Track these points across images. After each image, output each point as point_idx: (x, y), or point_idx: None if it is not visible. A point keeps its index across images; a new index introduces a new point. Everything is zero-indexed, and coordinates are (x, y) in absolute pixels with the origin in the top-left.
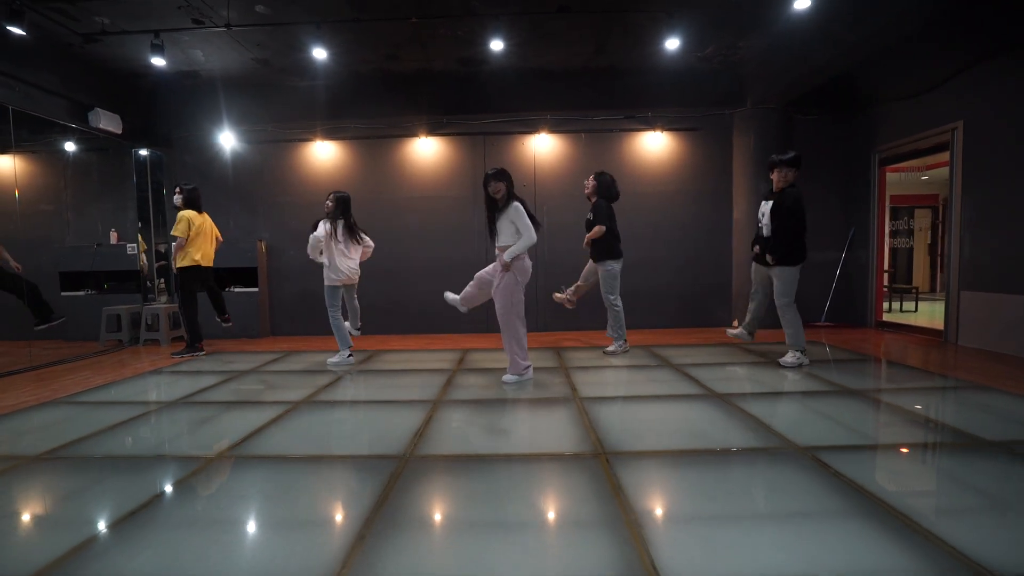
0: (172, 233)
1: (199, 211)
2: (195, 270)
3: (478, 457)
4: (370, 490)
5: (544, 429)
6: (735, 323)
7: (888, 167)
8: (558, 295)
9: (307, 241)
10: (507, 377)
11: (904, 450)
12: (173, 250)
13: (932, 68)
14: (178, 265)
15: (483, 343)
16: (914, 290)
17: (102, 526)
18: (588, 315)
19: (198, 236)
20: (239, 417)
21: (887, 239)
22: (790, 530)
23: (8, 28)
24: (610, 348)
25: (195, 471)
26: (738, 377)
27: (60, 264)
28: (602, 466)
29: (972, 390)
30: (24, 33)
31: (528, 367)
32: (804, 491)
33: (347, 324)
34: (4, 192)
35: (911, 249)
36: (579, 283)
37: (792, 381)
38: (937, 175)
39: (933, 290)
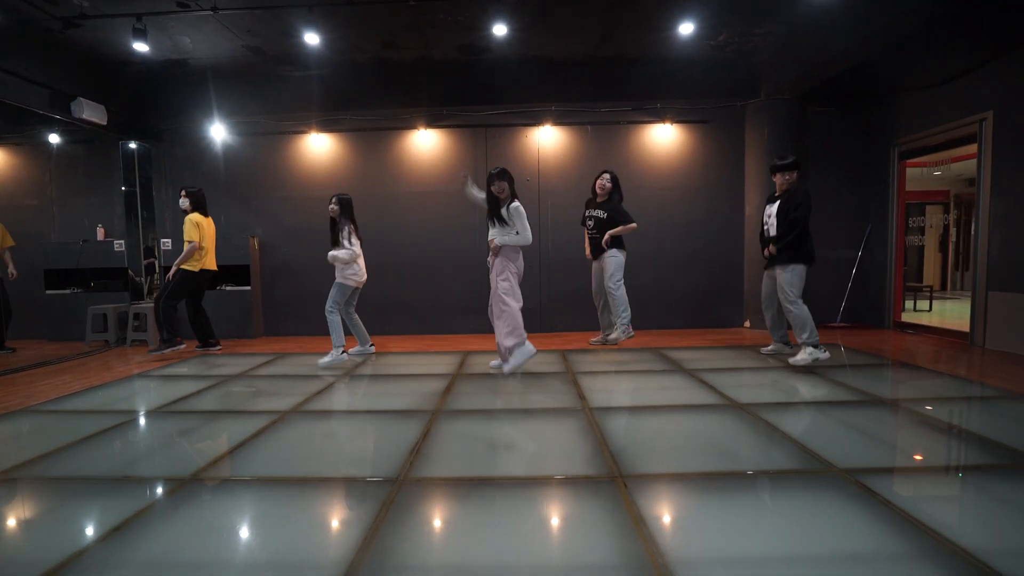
0: (185, 239)
1: (205, 214)
2: (199, 274)
3: (480, 480)
4: (357, 524)
5: (552, 445)
6: (747, 322)
7: (908, 161)
8: (594, 341)
9: (311, 242)
10: (507, 366)
11: (961, 474)
12: (185, 255)
13: (959, 55)
14: (182, 266)
15: (485, 345)
16: (929, 289)
17: (48, 568)
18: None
19: (204, 240)
20: (220, 429)
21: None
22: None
23: None
24: (612, 335)
25: (160, 498)
26: (757, 384)
27: (45, 261)
28: (620, 492)
29: (1015, 401)
30: None
31: (524, 340)
32: (853, 526)
33: (356, 347)
34: None
35: (922, 247)
36: (606, 328)
37: (817, 390)
38: (949, 171)
39: (944, 288)
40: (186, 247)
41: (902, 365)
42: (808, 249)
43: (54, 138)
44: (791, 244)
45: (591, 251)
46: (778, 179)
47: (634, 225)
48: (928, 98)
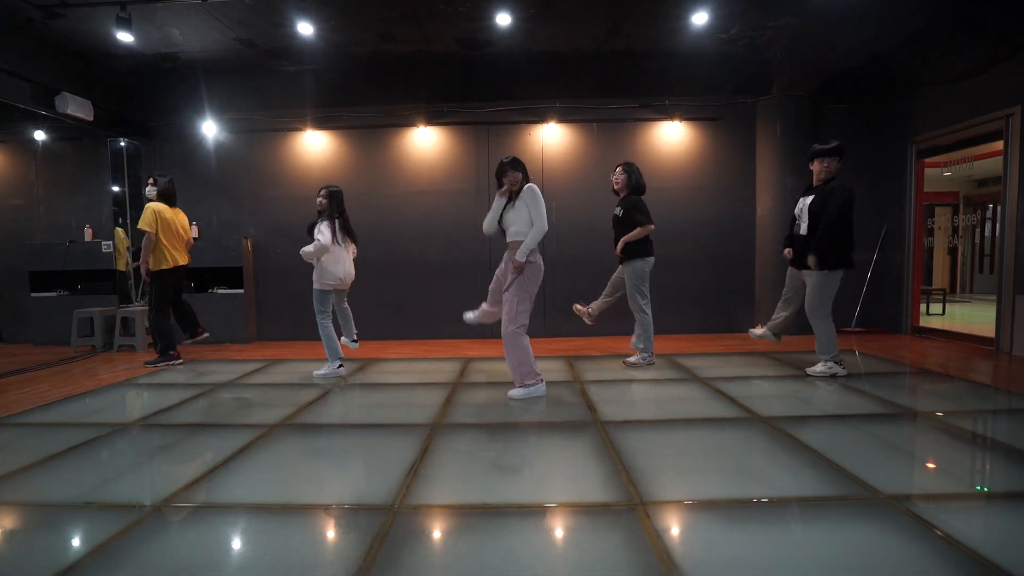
0: (139, 227)
1: (173, 205)
2: (171, 272)
3: (484, 508)
4: (343, 563)
5: (563, 466)
6: (759, 326)
7: (927, 159)
8: (579, 307)
9: (304, 241)
10: (514, 392)
11: (1018, 500)
12: (143, 248)
13: (982, 48)
14: (153, 268)
15: (488, 351)
16: (941, 292)
17: None
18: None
19: (167, 232)
20: (201, 446)
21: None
22: None
23: None
24: (632, 359)
25: (124, 529)
26: (778, 394)
27: (30, 263)
28: (641, 522)
29: None
30: None
31: (539, 380)
32: (913, 565)
33: (341, 338)
34: None
35: (931, 249)
36: (606, 299)
37: (842, 401)
38: (960, 172)
39: (954, 291)
40: (144, 240)
41: (928, 373)
42: (843, 253)
43: (39, 135)
44: (823, 247)
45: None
46: (816, 167)
47: (650, 227)
48: (949, 93)
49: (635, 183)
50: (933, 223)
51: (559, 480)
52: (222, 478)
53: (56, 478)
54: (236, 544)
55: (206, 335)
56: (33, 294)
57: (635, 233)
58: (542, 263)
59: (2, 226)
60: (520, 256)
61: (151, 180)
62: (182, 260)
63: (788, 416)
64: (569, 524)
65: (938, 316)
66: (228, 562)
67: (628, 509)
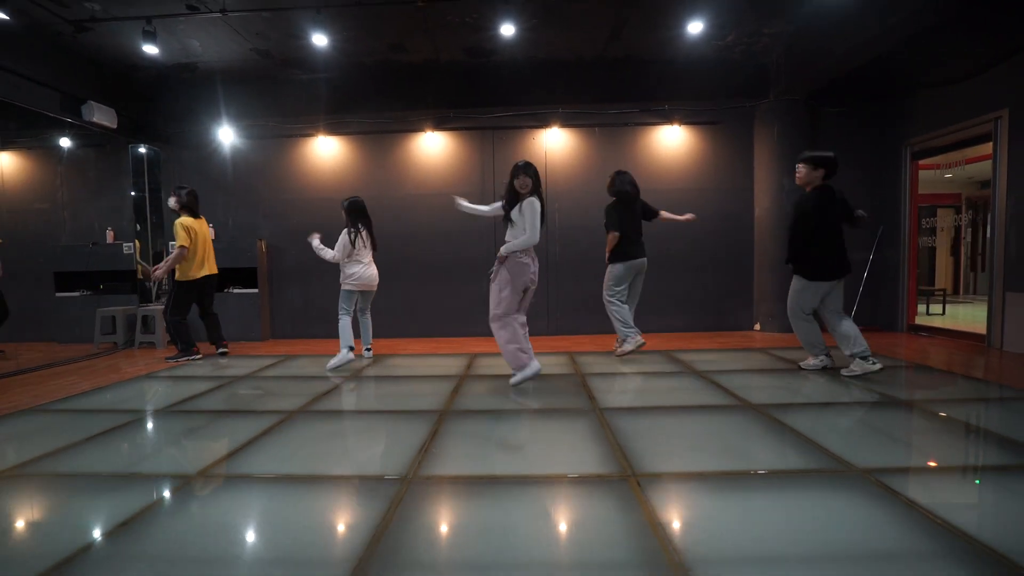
0: (177, 244)
1: (197, 215)
2: (201, 281)
3: (490, 479)
4: (366, 521)
5: (563, 445)
6: (757, 325)
7: (921, 161)
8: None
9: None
10: (514, 379)
11: (984, 474)
12: (173, 258)
13: (972, 53)
14: (179, 278)
15: (493, 347)
16: (942, 292)
17: (57, 561)
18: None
19: (195, 244)
20: (228, 428)
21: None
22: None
23: None
24: (618, 350)
25: (169, 494)
26: (770, 385)
27: (54, 264)
28: (633, 490)
29: None
30: (7, 18)
31: (531, 359)
32: (876, 525)
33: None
34: None
35: (933, 249)
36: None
37: (831, 390)
38: (961, 173)
39: (957, 292)
40: (177, 250)
41: (917, 367)
42: (817, 265)
43: (65, 142)
44: (793, 254)
45: None
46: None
47: (612, 234)
48: (941, 97)
49: (615, 190)
50: (936, 224)
51: (559, 457)
52: (251, 454)
53: (101, 453)
54: (268, 507)
55: (225, 350)
56: (58, 294)
57: (608, 241)
58: (530, 263)
59: (29, 229)
60: (503, 251)
61: (173, 192)
62: (213, 269)
63: (777, 403)
64: (566, 492)
65: (938, 316)
66: (265, 519)
67: (621, 480)
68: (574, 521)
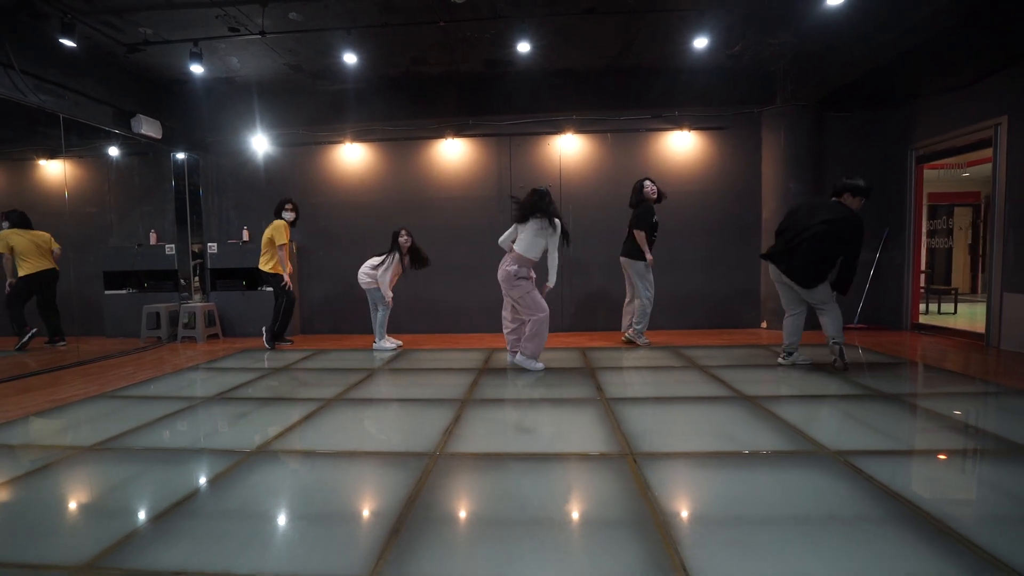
0: (279, 243)
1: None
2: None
3: (507, 455)
4: (403, 486)
5: (571, 429)
6: (763, 323)
7: (925, 165)
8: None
9: (342, 245)
10: (519, 358)
11: (941, 456)
12: (281, 258)
13: (975, 62)
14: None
15: None
16: (953, 291)
17: (146, 517)
18: (616, 316)
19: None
20: (275, 413)
21: (924, 239)
22: (823, 534)
23: (60, 40)
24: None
25: (234, 464)
26: (768, 379)
27: (103, 264)
28: (629, 466)
29: (1016, 396)
30: (74, 45)
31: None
32: (837, 495)
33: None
34: (56, 194)
35: (950, 249)
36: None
37: (825, 384)
38: (979, 172)
39: (974, 291)
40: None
41: (912, 364)
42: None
43: (113, 151)
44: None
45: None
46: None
47: (637, 232)
48: (944, 103)
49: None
50: (952, 223)
51: (567, 438)
52: (299, 434)
53: (170, 432)
54: (320, 474)
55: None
56: (106, 292)
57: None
58: (519, 270)
59: (80, 232)
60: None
61: (290, 205)
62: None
63: (771, 395)
64: (572, 467)
65: (950, 315)
66: (317, 485)
67: (620, 457)
68: (578, 490)
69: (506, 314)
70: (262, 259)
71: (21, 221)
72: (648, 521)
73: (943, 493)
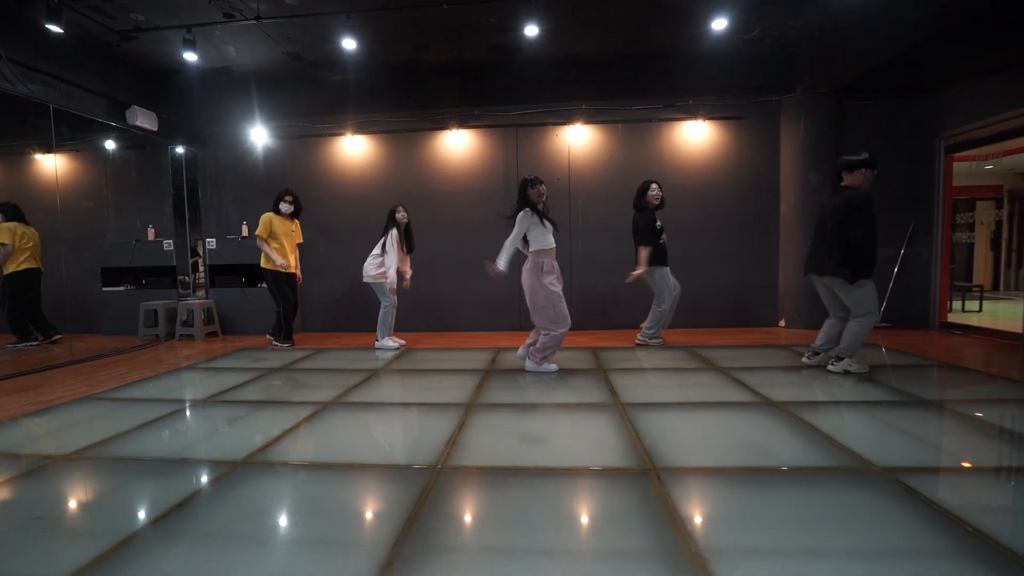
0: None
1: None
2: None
3: (515, 470)
4: (400, 506)
5: (585, 438)
6: (782, 322)
7: (956, 155)
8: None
9: (344, 240)
10: (528, 364)
11: (1007, 476)
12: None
13: (1012, 41)
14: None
15: (516, 342)
16: (978, 288)
17: (113, 541)
18: (627, 314)
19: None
20: (268, 418)
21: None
22: (884, 571)
23: (47, 26)
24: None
25: (218, 478)
26: (793, 383)
27: (101, 260)
28: (653, 485)
29: None
30: (62, 31)
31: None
32: (897, 523)
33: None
34: (47, 190)
35: (971, 244)
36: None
37: (856, 389)
38: (1002, 165)
39: (996, 288)
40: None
41: (947, 367)
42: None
43: (110, 144)
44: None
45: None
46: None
47: (642, 248)
48: (979, 88)
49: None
50: (974, 218)
51: (581, 450)
52: (289, 443)
53: (152, 440)
54: (310, 491)
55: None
56: (104, 288)
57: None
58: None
59: (77, 227)
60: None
61: (289, 197)
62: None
63: (799, 401)
64: (588, 484)
65: (975, 313)
66: (305, 503)
67: (641, 473)
68: (596, 512)
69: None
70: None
71: (16, 214)
72: (678, 552)
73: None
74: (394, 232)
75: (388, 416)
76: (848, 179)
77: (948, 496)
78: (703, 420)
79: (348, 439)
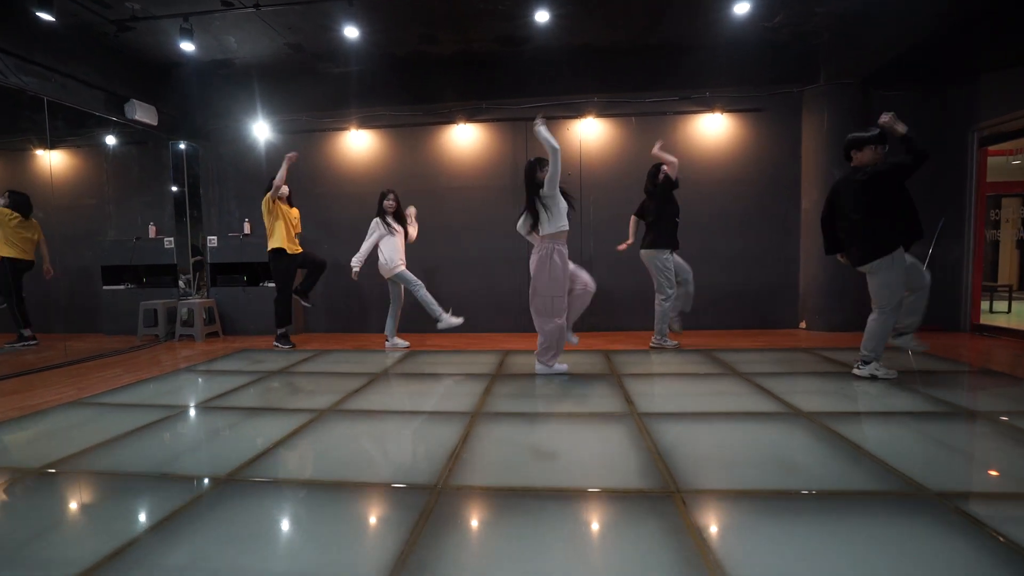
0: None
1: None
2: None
3: (523, 491)
4: (394, 535)
5: (600, 454)
6: (802, 323)
7: (990, 147)
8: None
9: (346, 237)
10: (538, 367)
11: None
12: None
13: None
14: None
15: (525, 344)
16: (1008, 288)
17: (83, 568)
18: (640, 315)
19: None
20: (259, 427)
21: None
22: None
23: (39, 15)
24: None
25: (196, 497)
26: (821, 390)
27: (101, 258)
28: (678, 509)
29: None
30: (53, 19)
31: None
32: (972, 566)
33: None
34: (51, 184)
35: (996, 243)
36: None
37: (892, 398)
38: None
39: (1022, 288)
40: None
41: (987, 373)
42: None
43: (110, 139)
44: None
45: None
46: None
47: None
48: (1013, 77)
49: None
50: (999, 215)
51: (596, 467)
52: (280, 456)
53: (136, 451)
54: (297, 513)
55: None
56: (105, 287)
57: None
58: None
59: (78, 224)
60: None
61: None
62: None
63: (831, 412)
64: (605, 509)
65: (1003, 314)
66: (291, 529)
67: (664, 496)
68: (615, 544)
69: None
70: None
71: (15, 203)
72: None
73: None
74: (378, 221)
75: (386, 426)
76: (857, 158)
77: (1017, 530)
78: (728, 433)
79: (341, 453)
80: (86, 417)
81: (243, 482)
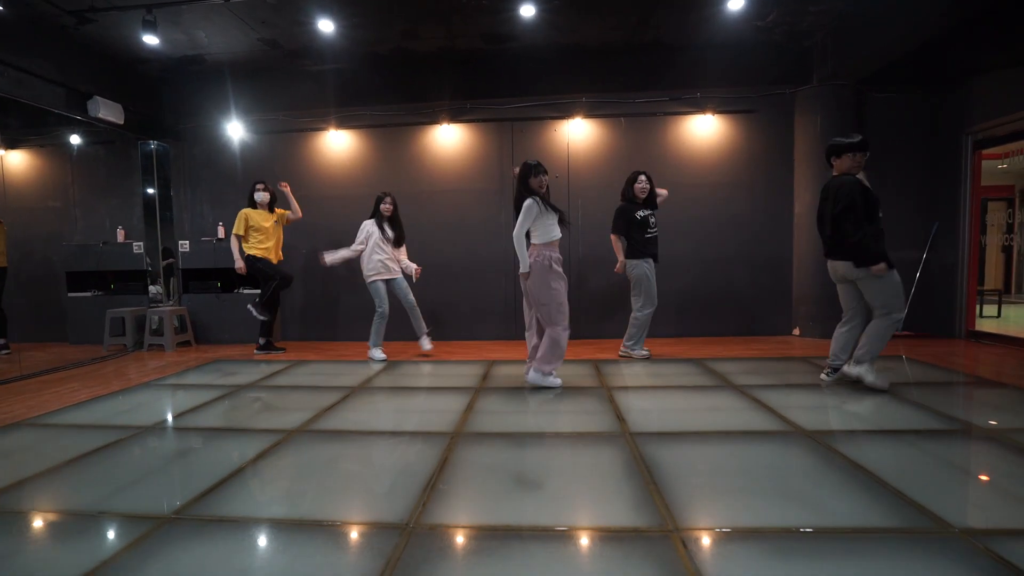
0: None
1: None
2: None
3: (504, 530)
4: None
5: (590, 483)
6: (796, 330)
7: (984, 151)
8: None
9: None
10: (532, 375)
11: None
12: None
13: None
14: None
15: (510, 353)
16: (996, 293)
17: None
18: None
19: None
20: (218, 452)
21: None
22: None
23: None
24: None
25: (136, 540)
26: (822, 404)
27: (67, 263)
28: (678, 554)
29: None
30: (3, 8)
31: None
32: None
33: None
34: (15, 186)
35: (983, 247)
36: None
37: (895, 413)
38: (1017, 164)
39: (1008, 292)
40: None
41: (989, 383)
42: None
43: (75, 139)
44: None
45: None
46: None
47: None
48: (1009, 80)
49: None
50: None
51: (586, 499)
52: (236, 488)
53: (74, 483)
54: (244, 562)
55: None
56: (70, 294)
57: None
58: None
59: (42, 228)
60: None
61: (260, 186)
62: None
63: (834, 430)
64: (597, 553)
65: (993, 319)
66: None
67: (662, 536)
68: None
69: (530, 317)
70: None
71: None
72: None
73: None
74: (374, 223)
75: (357, 450)
76: (836, 164)
77: None
78: (728, 456)
79: (304, 484)
80: (27, 441)
81: (190, 521)
